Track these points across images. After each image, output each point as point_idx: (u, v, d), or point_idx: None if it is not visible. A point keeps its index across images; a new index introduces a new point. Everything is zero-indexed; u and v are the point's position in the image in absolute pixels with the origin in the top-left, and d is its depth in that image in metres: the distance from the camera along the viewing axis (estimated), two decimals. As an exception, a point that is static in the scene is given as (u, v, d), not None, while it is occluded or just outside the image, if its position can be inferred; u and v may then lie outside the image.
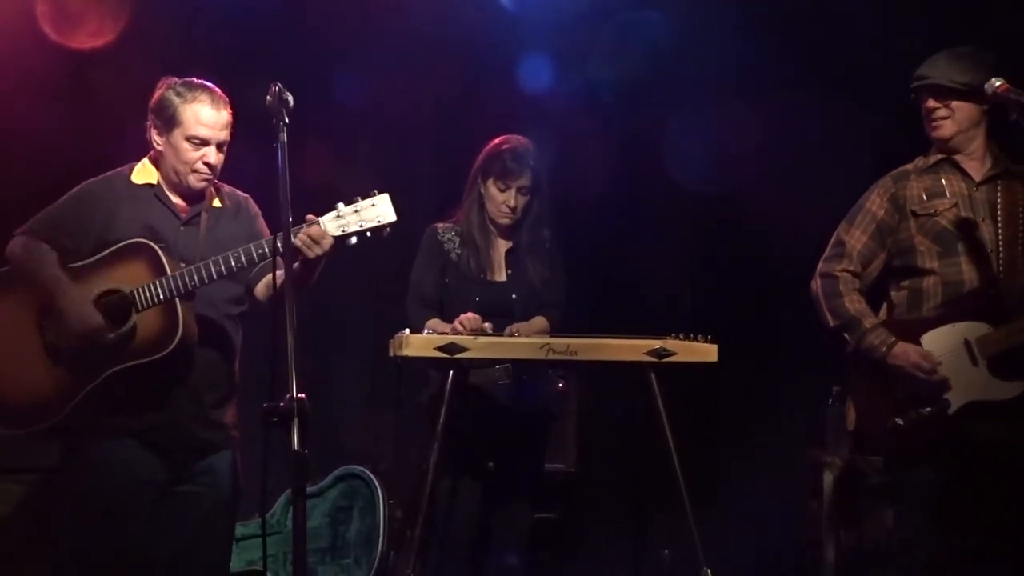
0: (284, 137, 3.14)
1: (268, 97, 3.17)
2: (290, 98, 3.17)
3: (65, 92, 5.18)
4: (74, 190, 3.79)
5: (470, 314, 4.37)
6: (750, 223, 5.61)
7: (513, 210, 4.55)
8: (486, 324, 4.37)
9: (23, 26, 5.11)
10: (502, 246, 4.63)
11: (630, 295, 5.69)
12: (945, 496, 3.89)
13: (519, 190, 4.54)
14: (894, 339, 3.97)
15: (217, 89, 3.77)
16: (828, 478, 5.17)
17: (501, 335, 4.36)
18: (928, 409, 3.91)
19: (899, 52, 4.73)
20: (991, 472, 3.87)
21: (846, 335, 4.06)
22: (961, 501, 3.89)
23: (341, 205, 3.53)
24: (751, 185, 5.54)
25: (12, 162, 5.03)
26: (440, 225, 4.64)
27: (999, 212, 3.98)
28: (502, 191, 4.54)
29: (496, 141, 4.61)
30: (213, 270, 3.58)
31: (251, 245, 3.59)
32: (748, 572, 5.28)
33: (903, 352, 3.94)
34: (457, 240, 4.59)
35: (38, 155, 4.97)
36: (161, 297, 3.57)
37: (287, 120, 3.15)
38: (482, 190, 4.58)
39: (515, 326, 4.44)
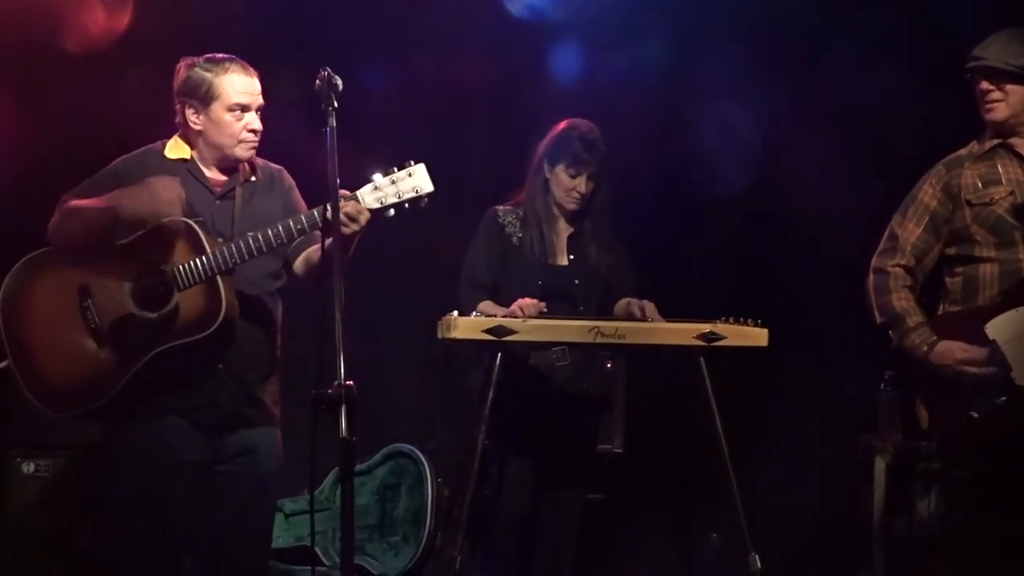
0: (333, 122, 3.11)
1: (317, 81, 3.14)
2: (339, 82, 3.14)
3: (92, 80, 5.18)
4: (108, 166, 3.78)
5: (530, 300, 4.34)
6: (797, 206, 5.55)
7: (582, 195, 4.52)
8: (541, 304, 4.34)
9: (49, 11, 5.13)
10: (564, 231, 4.60)
11: (677, 278, 5.65)
12: (996, 487, 3.81)
13: (589, 176, 4.51)
14: (935, 338, 3.87)
15: (239, 58, 3.75)
16: (880, 463, 5.12)
17: (552, 317, 4.33)
18: (1003, 398, 3.75)
19: (952, 33, 4.66)
20: None
21: (890, 332, 3.97)
22: (1012, 492, 3.81)
23: (378, 176, 3.48)
24: (797, 168, 5.48)
25: (47, 147, 5.05)
26: (500, 208, 4.61)
27: (1057, 198, 3.90)
28: (573, 177, 4.51)
29: (563, 126, 4.56)
30: (253, 246, 3.54)
31: (290, 220, 3.55)
32: (796, 557, 5.24)
33: (947, 350, 3.83)
34: (518, 223, 4.56)
35: (71, 141, 4.98)
36: (202, 275, 3.52)
37: (336, 105, 3.12)
38: (548, 174, 4.55)
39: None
